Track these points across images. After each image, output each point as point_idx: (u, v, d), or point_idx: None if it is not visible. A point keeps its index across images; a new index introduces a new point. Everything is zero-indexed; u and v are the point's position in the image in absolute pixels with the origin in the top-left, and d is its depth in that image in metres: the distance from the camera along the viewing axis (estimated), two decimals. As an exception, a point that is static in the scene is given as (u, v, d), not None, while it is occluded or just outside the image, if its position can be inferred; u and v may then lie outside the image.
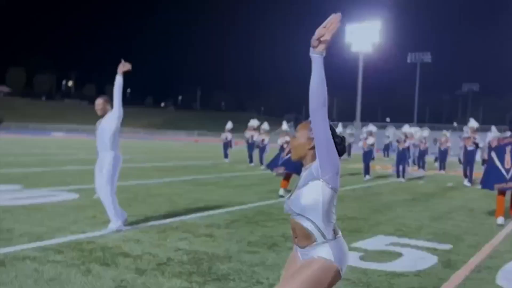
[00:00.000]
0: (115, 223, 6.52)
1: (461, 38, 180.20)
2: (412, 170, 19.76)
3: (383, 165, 23.86)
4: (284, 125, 18.62)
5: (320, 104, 2.31)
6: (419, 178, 17.60)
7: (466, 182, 15.38)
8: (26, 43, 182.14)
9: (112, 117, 6.63)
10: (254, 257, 5.46)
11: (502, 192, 8.64)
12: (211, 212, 8.33)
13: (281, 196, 10.44)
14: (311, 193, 2.40)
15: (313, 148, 2.46)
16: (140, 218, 7.52)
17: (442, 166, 20.59)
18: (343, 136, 2.55)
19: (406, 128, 17.89)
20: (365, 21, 67.80)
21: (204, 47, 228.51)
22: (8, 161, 16.97)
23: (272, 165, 11.45)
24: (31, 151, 24.35)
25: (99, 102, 6.74)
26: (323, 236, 2.44)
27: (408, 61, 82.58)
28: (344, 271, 2.49)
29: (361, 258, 5.65)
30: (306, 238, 2.48)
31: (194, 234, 6.53)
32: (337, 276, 2.45)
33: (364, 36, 67.23)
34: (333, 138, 2.40)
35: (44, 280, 4.35)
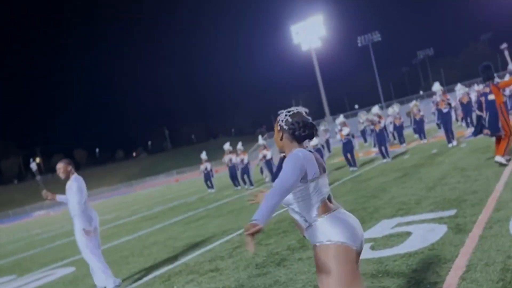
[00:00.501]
0: (112, 282, 6.27)
1: (405, 10, 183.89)
2: (393, 147, 19.82)
3: (365, 151, 23.89)
4: (260, 140, 18.65)
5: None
6: (403, 153, 17.63)
7: (449, 144, 15.45)
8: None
9: (73, 188, 6.34)
10: (266, 279, 5.24)
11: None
12: (210, 246, 8.08)
13: None
14: None
15: (282, 137, 2.78)
16: (141, 272, 7.23)
17: (422, 136, 20.69)
18: (311, 123, 2.75)
19: (376, 109, 17.96)
20: (307, 18, 68.65)
21: (158, 86, 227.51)
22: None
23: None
24: (15, 237, 23.62)
25: (59, 166, 6.49)
26: (306, 220, 2.64)
27: (359, 44, 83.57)
28: (354, 236, 2.58)
29: (372, 248, 5.48)
30: (299, 227, 2.72)
31: (199, 273, 6.28)
32: (349, 249, 2.54)
33: (310, 33, 68.02)
34: (302, 129, 2.71)
35: None
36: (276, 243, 7.02)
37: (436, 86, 15.68)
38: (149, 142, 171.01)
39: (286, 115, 2.77)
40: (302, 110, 2.80)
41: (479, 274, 3.94)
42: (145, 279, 6.71)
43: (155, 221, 14.81)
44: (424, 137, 20.63)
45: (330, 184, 13.24)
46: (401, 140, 20.94)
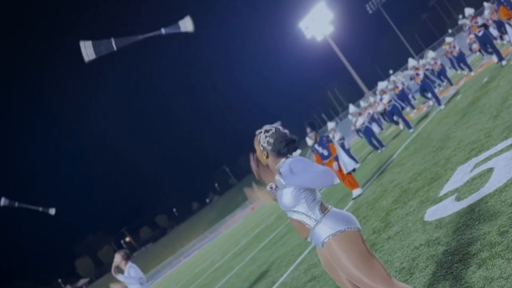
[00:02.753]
0: None
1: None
2: (443, 93, 19.03)
3: (418, 107, 22.92)
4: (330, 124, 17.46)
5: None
6: (455, 94, 16.85)
7: (501, 62, 14.55)
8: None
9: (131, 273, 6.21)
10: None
11: None
12: (300, 258, 7.89)
13: (354, 198, 9.98)
14: (288, 196, 2.83)
15: (267, 156, 2.99)
16: None
17: (467, 69, 19.70)
18: (290, 137, 2.98)
19: (412, 62, 17.39)
20: (311, 9, 68.13)
21: (209, 124, 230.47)
22: None
23: None
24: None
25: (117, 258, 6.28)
26: (313, 219, 2.82)
27: (370, 12, 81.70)
28: (354, 221, 2.83)
29: (457, 199, 5.14)
30: (303, 229, 2.87)
31: (298, 287, 6.10)
32: (358, 232, 2.79)
33: (319, 22, 67.33)
34: (284, 146, 2.95)
35: None
36: (362, 231, 6.75)
37: (468, 11, 14.89)
38: (216, 184, 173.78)
39: (266, 136, 2.97)
40: (279, 126, 2.98)
41: None
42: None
43: (244, 253, 14.81)
44: (471, 69, 19.67)
45: (392, 153, 12.79)
46: (449, 82, 20.07)
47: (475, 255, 3.56)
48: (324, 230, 2.80)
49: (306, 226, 2.86)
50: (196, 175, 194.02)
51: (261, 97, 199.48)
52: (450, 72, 25.47)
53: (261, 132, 3.02)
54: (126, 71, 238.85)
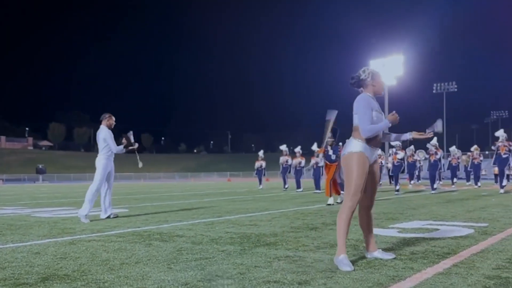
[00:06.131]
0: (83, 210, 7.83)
1: (485, 66, 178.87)
2: (444, 186, 19.78)
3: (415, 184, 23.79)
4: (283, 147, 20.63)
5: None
6: (453, 191, 17.64)
7: (501, 190, 15.40)
8: (65, 100, 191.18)
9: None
10: (298, 234, 5.87)
11: None
12: (252, 214, 8.77)
13: (328, 204, 10.88)
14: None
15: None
16: (188, 218, 8.02)
17: (477, 181, 20.52)
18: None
19: (434, 141, 18.14)
20: (388, 55, 68.39)
21: (231, 92, 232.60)
22: (56, 195, 17.80)
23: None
24: (76, 192, 25.27)
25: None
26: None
27: (434, 91, 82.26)
28: (369, 151, 4.10)
29: (400, 232, 5.98)
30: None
31: (239, 224, 6.98)
32: (364, 155, 4.08)
33: (388, 70, 67.57)
34: None
35: (112, 250, 4.86)
36: (313, 219, 7.63)
37: (500, 132, 15.72)
38: (211, 142, 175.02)
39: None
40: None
41: (490, 255, 4.38)
42: (191, 221, 7.50)
43: (204, 197, 15.70)
44: (478, 182, 20.45)
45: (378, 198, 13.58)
46: (453, 180, 20.90)
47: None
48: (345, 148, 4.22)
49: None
50: (201, 124, 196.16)
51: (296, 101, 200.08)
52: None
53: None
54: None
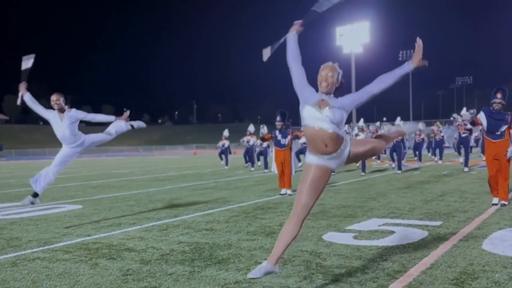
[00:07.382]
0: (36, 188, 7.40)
1: (451, 33, 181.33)
2: (409, 162, 20.06)
3: (381, 161, 24.10)
4: (251, 127, 20.55)
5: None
6: (416, 169, 17.89)
7: (465, 169, 15.68)
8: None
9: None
10: (253, 244, 5.74)
11: None
12: (210, 211, 8.61)
13: (282, 194, 10.73)
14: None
15: (337, 83, 4.27)
16: (142, 220, 7.81)
17: (439, 156, 20.87)
18: None
19: (399, 121, 18.24)
20: (354, 22, 68.30)
21: (196, 61, 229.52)
22: (10, 183, 17.24)
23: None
24: (32, 173, 24.59)
25: (55, 98, 7.82)
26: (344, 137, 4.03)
27: (400, 58, 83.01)
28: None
29: (355, 238, 5.93)
30: (335, 143, 3.91)
31: (195, 229, 6.81)
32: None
33: (354, 37, 67.69)
34: None
35: (55, 275, 4.63)
36: (271, 219, 7.52)
37: (463, 112, 15.94)
38: (176, 113, 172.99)
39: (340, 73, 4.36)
40: None
41: (439, 272, 4.36)
42: (144, 225, 7.29)
43: (165, 182, 15.46)
44: (441, 158, 20.82)
45: (338, 181, 13.62)
46: (417, 155, 21.14)
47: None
48: (346, 147, 4.02)
49: (341, 140, 3.92)
50: (164, 94, 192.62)
51: (261, 69, 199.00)
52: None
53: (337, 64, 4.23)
54: None
